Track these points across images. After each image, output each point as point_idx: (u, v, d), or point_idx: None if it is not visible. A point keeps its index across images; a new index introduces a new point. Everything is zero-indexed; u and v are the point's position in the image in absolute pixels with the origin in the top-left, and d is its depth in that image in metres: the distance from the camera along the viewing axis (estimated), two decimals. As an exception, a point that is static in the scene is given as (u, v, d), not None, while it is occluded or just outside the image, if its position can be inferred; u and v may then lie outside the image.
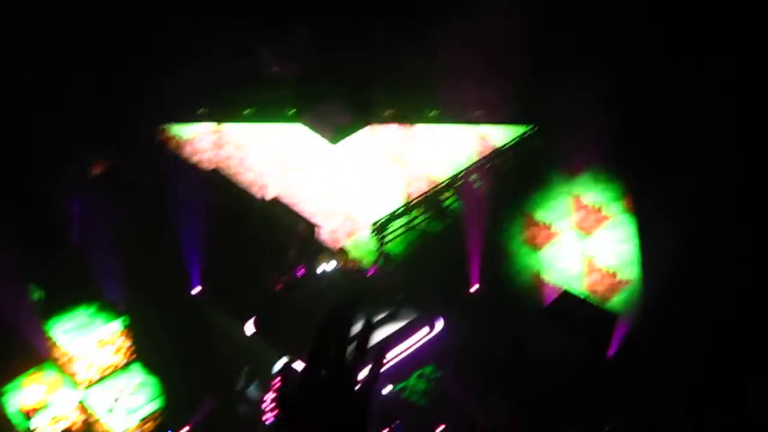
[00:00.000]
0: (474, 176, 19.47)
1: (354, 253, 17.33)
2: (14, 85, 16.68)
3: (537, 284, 17.76)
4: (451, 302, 15.72)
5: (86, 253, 15.79)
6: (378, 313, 13.22)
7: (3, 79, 16.90)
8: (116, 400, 14.12)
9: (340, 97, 19.86)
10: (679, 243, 15.47)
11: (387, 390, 13.60)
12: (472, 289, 17.12)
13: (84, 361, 14.01)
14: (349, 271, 15.33)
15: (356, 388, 2.55)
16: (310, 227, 16.89)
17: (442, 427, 13.86)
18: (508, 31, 17.67)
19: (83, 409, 14.19)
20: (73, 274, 15.36)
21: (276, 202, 17.71)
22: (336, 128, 19.71)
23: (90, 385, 14.20)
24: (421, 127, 20.79)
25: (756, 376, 13.56)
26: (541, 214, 19.29)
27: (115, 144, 18.46)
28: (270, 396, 13.11)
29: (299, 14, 20.37)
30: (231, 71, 19.96)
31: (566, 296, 16.09)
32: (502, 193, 19.17)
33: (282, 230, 16.63)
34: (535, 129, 20.46)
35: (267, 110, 20.41)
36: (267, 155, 19.67)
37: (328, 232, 17.80)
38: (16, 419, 13.36)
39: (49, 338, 13.96)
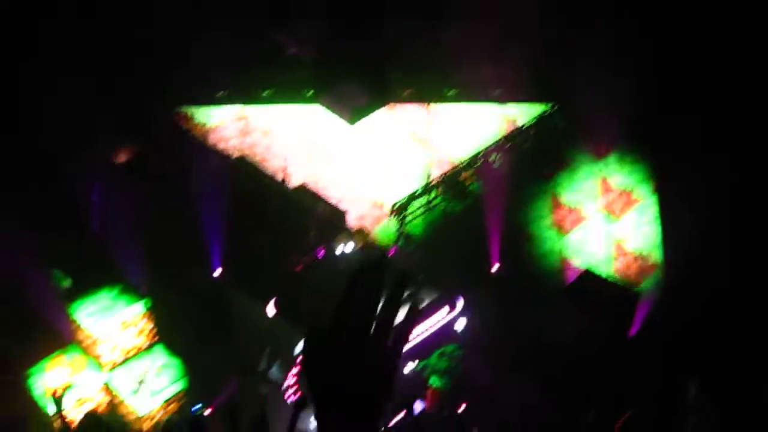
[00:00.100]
0: (494, 156, 19.35)
1: (374, 233, 17.33)
2: (26, 75, 16.75)
3: (558, 264, 17.67)
4: (472, 282, 15.69)
5: (108, 237, 15.90)
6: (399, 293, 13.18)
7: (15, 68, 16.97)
8: (140, 381, 14.25)
9: (358, 78, 19.76)
10: (701, 225, 15.33)
11: (408, 368, 13.62)
12: (493, 269, 17.07)
13: (108, 343, 14.13)
14: (370, 250, 15.31)
15: (380, 358, 2.50)
16: (336, 212, 16.85)
17: (464, 405, 13.89)
18: (526, 8, 17.49)
19: (108, 390, 14.32)
20: (95, 258, 15.46)
21: (303, 189, 17.64)
22: (354, 108, 19.63)
23: (114, 367, 14.32)
24: (440, 107, 20.67)
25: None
26: (563, 194, 19.16)
27: (136, 128, 18.49)
28: (292, 376, 13.17)
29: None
30: (248, 53, 19.91)
31: (588, 275, 16.00)
32: (522, 172, 19.05)
33: (302, 212, 16.63)
34: (555, 107, 20.28)
35: (285, 92, 20.38)
36: (291, 141, 19.60)
37: (354, 217, 17.76)
38: (42, 401, 13.51)
39: (73, 321, 14.08)
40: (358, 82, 19.76)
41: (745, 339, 14.06)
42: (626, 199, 19.11)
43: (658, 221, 18.33)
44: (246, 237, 15.76)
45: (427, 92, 20.62)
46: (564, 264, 17.60)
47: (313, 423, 2.83)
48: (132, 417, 14.18)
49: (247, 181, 17.69)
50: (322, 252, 14.90)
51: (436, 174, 18.73)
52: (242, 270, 15.47)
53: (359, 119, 19.71)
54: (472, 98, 20.63)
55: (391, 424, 12.45)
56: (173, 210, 16.66)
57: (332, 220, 16.49)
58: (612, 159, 19.77)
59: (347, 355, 2.45)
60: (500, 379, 14.39)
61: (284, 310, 13.84)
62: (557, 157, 19.74)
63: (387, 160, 19.37)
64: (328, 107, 19.82)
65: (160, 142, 18.65)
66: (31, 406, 13.57)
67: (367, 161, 19.31)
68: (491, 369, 14.54)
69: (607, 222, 18.58)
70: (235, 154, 19.13)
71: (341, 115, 19.67)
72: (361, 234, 16.02)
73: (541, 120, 20.12)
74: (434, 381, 13.81)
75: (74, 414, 13.42)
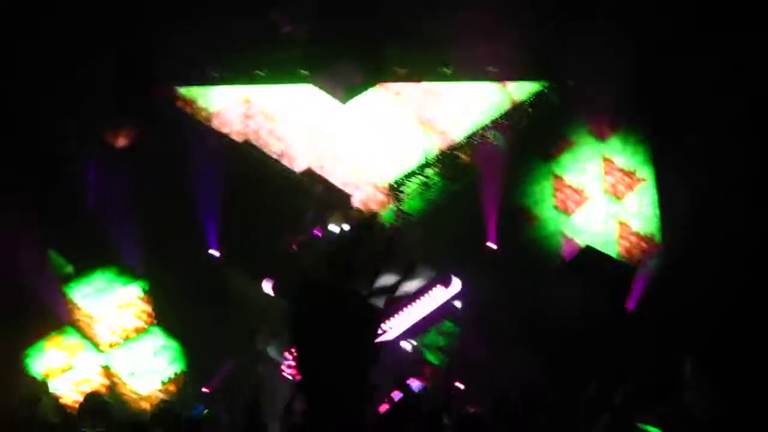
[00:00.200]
0: (491, 133, 19.27)
1: (372, 213, 17.27)
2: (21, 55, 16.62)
3: (557, 240, 17.68)
4: (469, 260, 15.68)
5: (104, 218, 15.84)
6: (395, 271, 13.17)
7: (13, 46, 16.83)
8: (138, 362, 14.27)
9: (350, 57, 19.58)
10: (701, 204, 15.32)
11: (405, 345, 13.62)
12: (490, 247, 17.07)
13: (105, 324, 14.15)
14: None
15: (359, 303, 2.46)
16: (340, 194, 16.77)
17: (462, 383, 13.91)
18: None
19: (106, 372, 14.35)
20: (91, 238, 15.42)
21: (310, 173, 17.52)
22: (346, 87, 19.46)
23: (112, 348, 14.34)
24: (435, 85, 20.53)
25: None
26: (563, 173, 19.11)
27: (133, 108, 18.37)
28: (289, 356, 13.16)
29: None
30: (239, 32, 19.70)
31: (588, 250, 16.01)
32: (519, 149, 18.98)
33: (299, 193, 16.59)
34: (551, 84, 20.17)
35: (279, 71, 20.20)
36: (293, 124, 19.40)
37: (356, 200, 17.68)
38: (40, 382, 13.51)
39: (70, 302, 14.07)
40: (350, 60, 19.58)
41: (743, 318, 14.10)
42: (629, 179, 19.07)
43: (657, 200, 18.29)
44: (243, 218, 15.73)
45: (421, 71, 20.45)
46: (561, 239, 17.62)
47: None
48: (131, 398, 14.21)
49: (249, 164, 17.59)
50: (317, 231, 14.87)
51: (433, 152, 18.66)
52: (239, 250, 15.46)
53: (351, 98, 19.53)
54: (467, 76, 20.48)
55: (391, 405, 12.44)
56: (170, 190, 16.60)
57: (333, 202, 16.42)
58: (614, 139, 19.69)
59: (330, 299, 2.44)
60: (499, 356, 14.41)
61: (280, 290, 13.84)
62: (555, 136, 19.67)
63: (384, 140, 19.25)
64: (320, 86, 19.65)
65: (158, 122, 18.54)
66: (28, 387, 13.57)
67: (363, 142, 19.18)
68: (490, 346, 14.56)
69: (610, 202, 18.57)
70: (234, 137, 18.96)
71: (333, 94, 19.49)
72: (356, 213, 15.98)
73: (537, 97, 20.01)
74: (432, 358, 13.83)
75: (74, 396, 13.46)
